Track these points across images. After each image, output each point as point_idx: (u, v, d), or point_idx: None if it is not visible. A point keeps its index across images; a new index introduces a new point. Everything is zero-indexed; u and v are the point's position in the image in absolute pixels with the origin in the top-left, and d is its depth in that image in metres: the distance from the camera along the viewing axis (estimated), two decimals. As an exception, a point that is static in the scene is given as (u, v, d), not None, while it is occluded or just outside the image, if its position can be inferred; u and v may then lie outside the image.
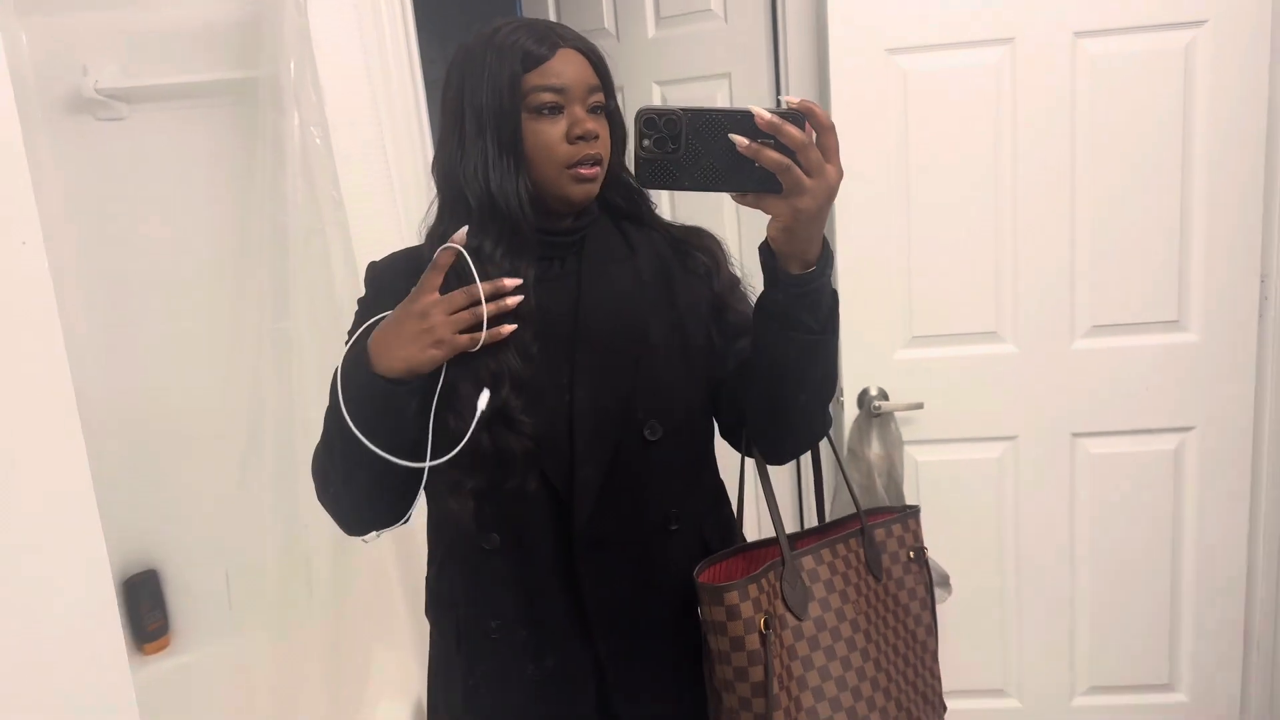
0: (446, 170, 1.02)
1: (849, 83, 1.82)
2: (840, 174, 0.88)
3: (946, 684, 2.02)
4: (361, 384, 0.94)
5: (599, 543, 1.04)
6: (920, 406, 1.91)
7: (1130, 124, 1.78)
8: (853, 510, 1.14)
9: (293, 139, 1.77)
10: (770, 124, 0.85)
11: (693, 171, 0.90)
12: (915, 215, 1.85)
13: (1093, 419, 1.90)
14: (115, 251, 2.01)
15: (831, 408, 1.12)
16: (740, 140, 0.86)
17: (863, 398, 1.93)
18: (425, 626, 1.71)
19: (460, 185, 1.00)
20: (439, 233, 1.02)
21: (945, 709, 1.17)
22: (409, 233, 1.93)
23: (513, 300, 0.96)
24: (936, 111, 1.81)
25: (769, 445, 1.09)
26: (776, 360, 0.99)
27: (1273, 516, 1.93)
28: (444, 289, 0.94)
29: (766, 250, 0.94)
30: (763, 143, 0.86)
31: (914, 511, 1.18)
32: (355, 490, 1.01)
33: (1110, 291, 1.84)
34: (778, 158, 0.86)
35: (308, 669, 1.92)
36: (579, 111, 1.00)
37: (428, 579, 1.16)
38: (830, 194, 0.88)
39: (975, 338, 1.90)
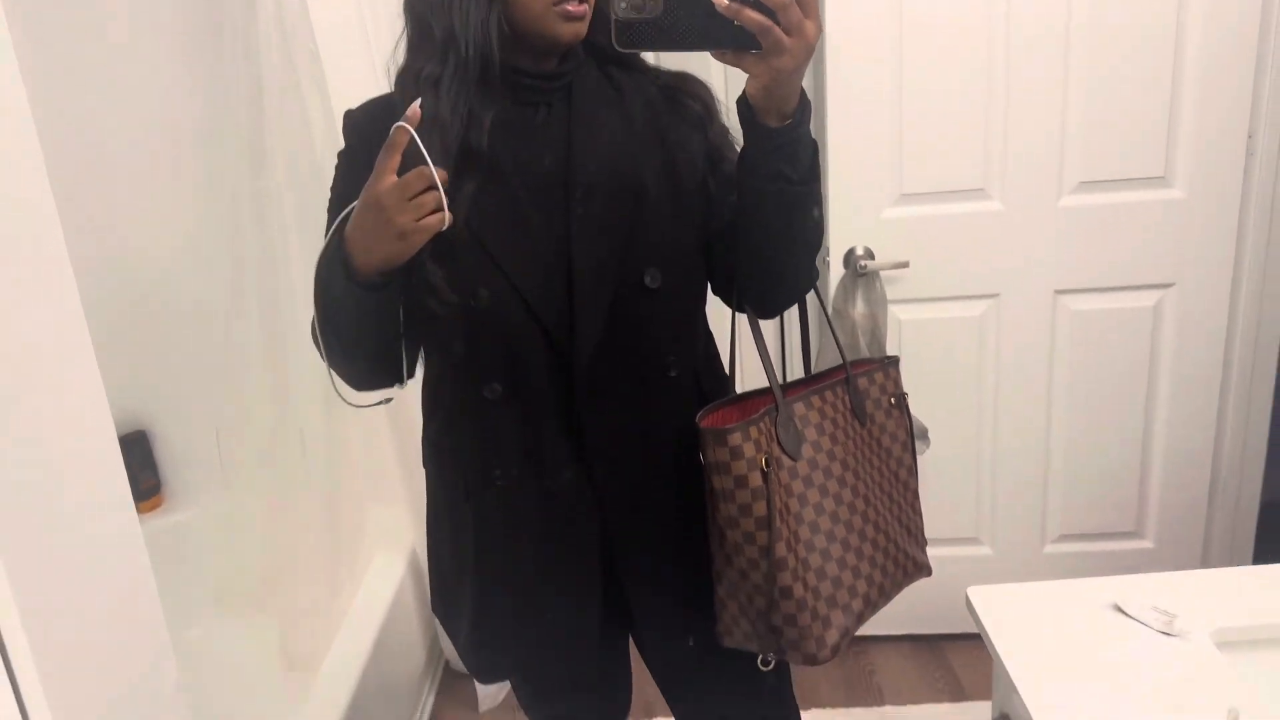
0: (418, 5, 0.99)
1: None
2: (819, 30, 0.88)
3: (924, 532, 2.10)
4: (341, 292, 0.95)
5: (600, 390, 1.05)
6: (905, 265, 1.92)
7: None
8: (837, 364, 1.16)
9: (263, -9, 1.70)
10: None
11: (671, 32, 0.89)
12: (907, 72, 1.82)
13: (1075, 276, 1.92)
14: (86, 115, 1.95)
15: (818, 264, 1.15)
16: (721, 0, 0.85)
17: (849, 257, 1.93)
18: (418, 481, 1.75)
19: (426, 15, 0.97)
20: (410, 71, 1.00)
21: (926, 543, 1.22)
22: (386, 84, 1.88)
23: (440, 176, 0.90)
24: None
25: (757, 299, 1.11)
26: (759, 213, 1.00)
27: (1244, 372, 1.98)
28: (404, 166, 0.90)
29: (744, 105, 0.95)
30: (742, 1, 0.85)
31: (893, 361, 1.21)
32: (354, 364, 1.06)
33: (1098, 148, 1.83)
34: (758, 18, 0.85)
35: (304, 525, 1.97)
36: None
37: (426, 435, 1.17)
38: (809, 51, 0.88)
39: (963, 195, 1.89)
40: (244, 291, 1.89)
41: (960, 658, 2.11)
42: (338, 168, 1.09)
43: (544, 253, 1.02)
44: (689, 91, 1.11)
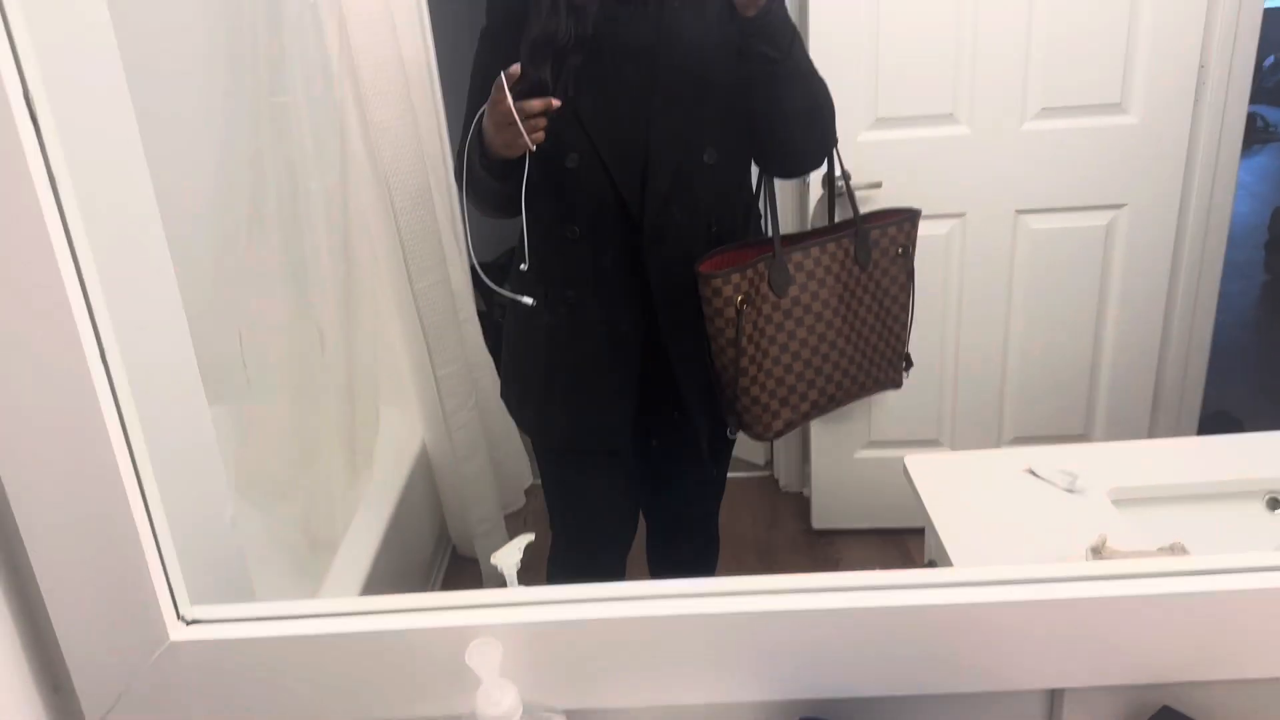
0: None
1: None
2: None
3: (884, 431, 2.29)
4: (478, 167, 1.30)
5: (659, 240, 1.34)
6: (879, 186, 2.07)
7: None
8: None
9: (281, -88, 1.81)
10: None
11: None
12: (884, 2, 1.95)
13: (1035, 197, 2.07)
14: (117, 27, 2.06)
15: (776, 213, 1.44)
16: None
17: (827, 178, 2.07)
18: (429, 385, 1.95)
19: None
20: None
21: (910, 365, 1.56)
22: (398, 1, 2.00)
23: (539, 104, 1.20)
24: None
25: (777, 165, 1.45)
26: (757, 93, 1.26)
27: (1189, 290, 2.14)
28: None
29: (728, 4, 1.21)
30: None
31: (911, 216, 1.49)
32: (487, 207, 1.40)
33: (1059, 76, 1.97)
34: None
35: (321, 419, 2.14)
36: None
37: (510, 272, 1.45)
38: None
39: (932, 120, 2.03)
40: (264, 200, 2.03)
41: (918, 545, 2.31)
42: (480, 45, 1.37)
43: (626, 128, 1.30)
44: None
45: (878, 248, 1.46)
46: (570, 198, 1.35)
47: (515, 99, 1.19)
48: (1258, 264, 3.87)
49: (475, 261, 1.41)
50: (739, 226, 1.43)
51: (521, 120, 1.19)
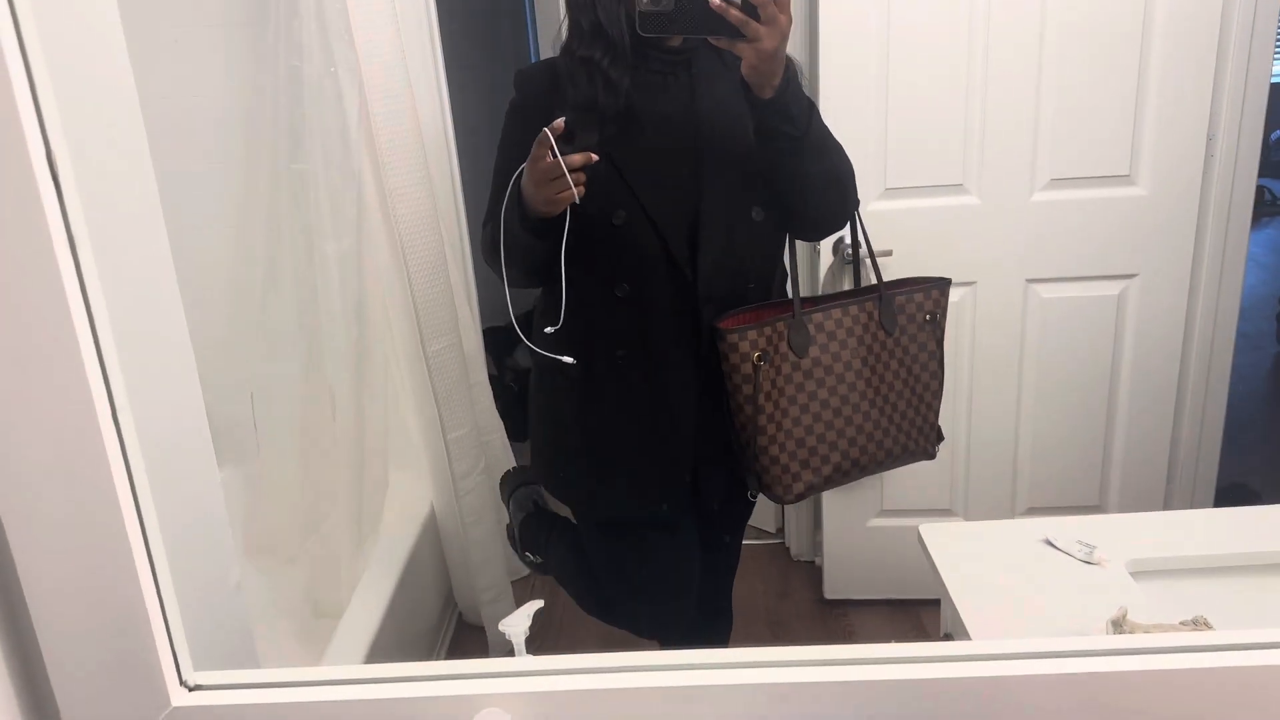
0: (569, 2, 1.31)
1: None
2: (790, 20, 1.18)
3: (897, 500, 2.27)
4: (518, 228, 1.30)
5: (711, 298, 1.37)
6: (889, 254, 2.08)
7: (1097, -13, 1.90)
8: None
9: (305, -15, 1.86)
10: None
11: (680, 22, 1.18)
12: (893, 76, 1.98)
13: (1046, 266, 2.08)
14: (140, 93, 2.10)
15: (809, 258, 1.45)
16: (714, 0, 1.15)
17: (837, 245, 2.09)
18: (438, 449, 1.94)
19: (576, 14, 1.33)
20: (571, 51, 1.34)
21: (942, 438, 1.56)
22: (415, 74, 2.04)
23: (580, 157, 1.21)
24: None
25: (799, 230, 1.48)
26: (779, 165, 1.30)
27: (1202, 359, 2.13)
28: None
29: (743, 84, 1.24)
30: (730, 1, 1.15)
31: (939, 283, 1.51)
32: (520, 272, 1.41)
33: (1068, 147, 1.99)
34: (737, 14, 1.18)
35: (331, 484, 2.13)
36: None
37: (549, 335, 1.44)
38: (783, 36, 1.18)
39: (942, 190, 2.05)
40: (280, 265, 2.05)
41: (932, 617, 2.27)
42: (508, 117, 1.41)
43: (672, 187, 1.34)
44: None
45: (904, 313, 1.47)
46: (617, 256, 1.37)
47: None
48: (1269, 335, 3.87)
49: (516, 323, 1.41)
50: (772, 285, 1.47)
51: (552, 177, 1.22)
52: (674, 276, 1.37)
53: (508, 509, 1.92)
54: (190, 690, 0.77)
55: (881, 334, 1.43)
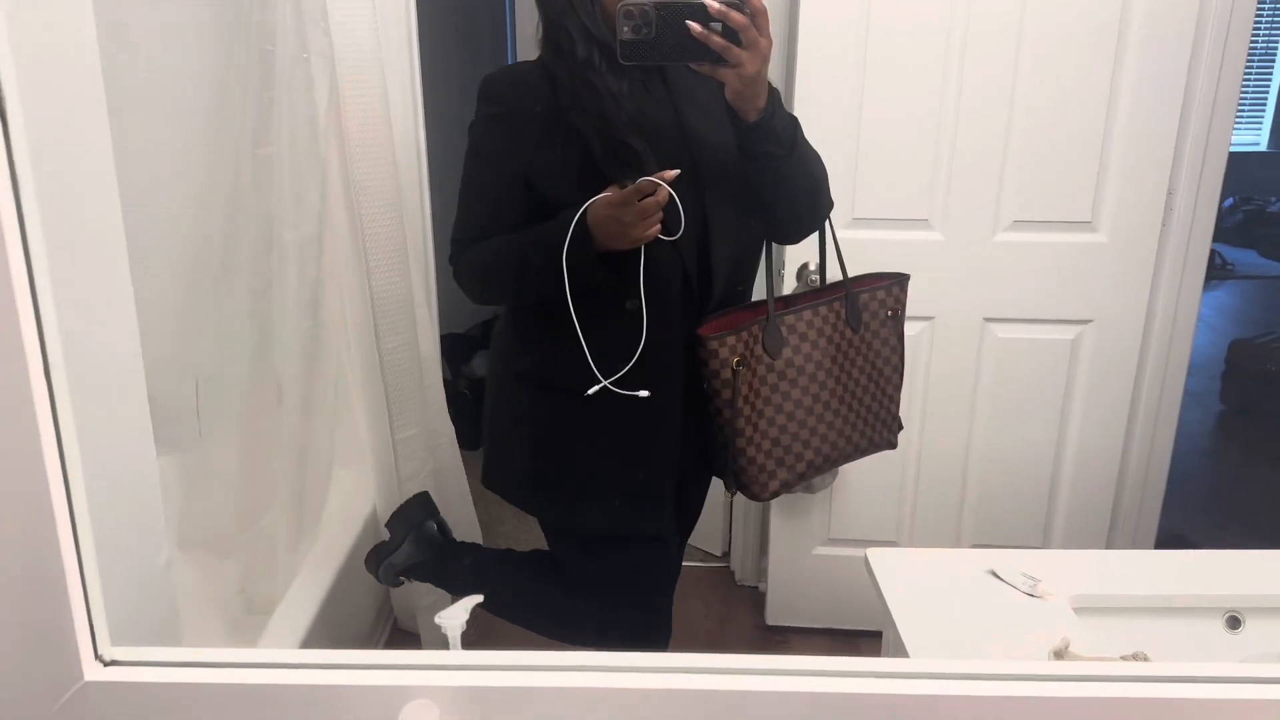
0: (546, 2, 1.32)
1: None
2: (770, 44, 1.18)
3: (843, 529, 2.27)
4: (583, 255, 1.26)
5: (718, 306, 1.39)
6: (848, 277, 2.09)
7: (1070, 39, 1.93)
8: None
9: (284, -32, 1.84)
10: (717, 11, 1.15)
11: (661, 49, 1.17)
12: (867, 106, 1.99)
13: (1003, 306, 2.10)
14: (108, 71, 2.06)
15: (771, 258, 1.49)
16: (694, 26, 1.15)
17: (801, 271, 2.10)
18: (385, 449, 1.90)
19: (556, 16, 1.30)
20: (549, 48, 1.33)
21: (901, 427, 1.59)
22: (390, 67, 2.02)
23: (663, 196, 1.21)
24: (896, 10, 1.94)
25: (779, 237, 1.52)
26: (762, 183, 1.31)
27: (1150, 409, 2.16)
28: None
29: (727, 108, 1.24)
30: (711, 28, 1.15)
31: (899, 279, 1.54)
32: (525, 294, 1.41)
33: (1032, 191, 2.02)
34: (719, 41, 1.15)
35: (271, 477, 2.08)
36: None
37: (529, 354, 1.46)
38: (764, 60, 1.19)
39: (908, 224, 2.07)
40: (237, 249, 2.01)
41: (873, 648, 2.27)
42: (483, 125, 1.36)
43: (680, 197, 1.26)
44: None
45: (868, 310, 1.49)
46: (633, 271, 1.30)
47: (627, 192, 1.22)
48: (1214, 394, 3.96)
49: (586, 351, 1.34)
50: (750, 287, 1.50)
51: (646, 216, 1.23)
52: (686, 288, 1.38)
53: (395, 546, 1.86)
54: (105, 665, 0.73)
55: (849, 331, 1.46)
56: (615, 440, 1.44)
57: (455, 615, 0.76)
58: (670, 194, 1.20)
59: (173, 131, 2.11)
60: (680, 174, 1.29)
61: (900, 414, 1.58)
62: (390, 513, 2.06)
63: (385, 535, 2.30)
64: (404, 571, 1.84)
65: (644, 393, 1.31)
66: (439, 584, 1.86)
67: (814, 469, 1.45)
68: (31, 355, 0.66)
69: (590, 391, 1.30)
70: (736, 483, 1.44)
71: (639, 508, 1.48)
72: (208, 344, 2.11)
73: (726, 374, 1.36)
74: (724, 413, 1.38)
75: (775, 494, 1.43)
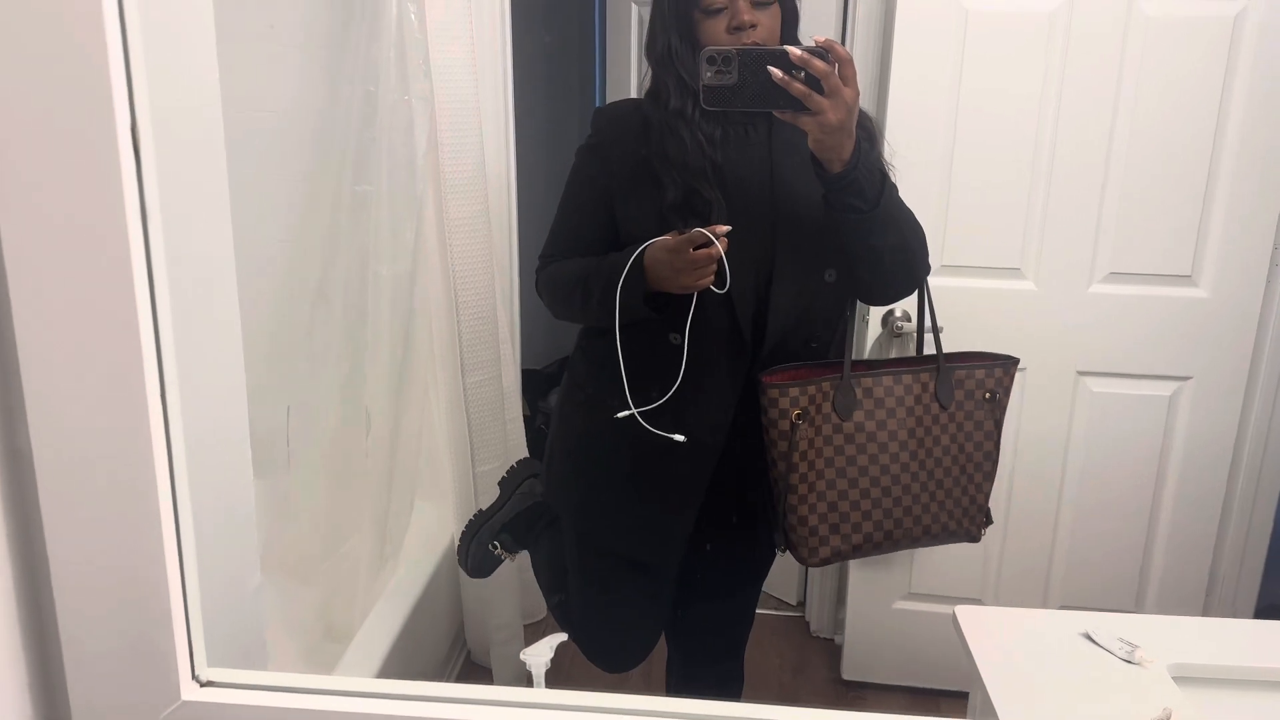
0: (651, 53, 1.36)
1: (913, 15, 1.93)
2: (857, 94, 1.16)
3: (926, 583, 2.21)
4: (634, 291, 1.29)
5: (773, 354, 1.36)
6: (941, 330, 2.05)
7: (1173, 87, 1.88)
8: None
9: (389, 13, 1.91)
10: (800, 58, 1.14)
11: (744, 95, 1.18)
12: (959, 151, 1.97)
13: (1098, 359, 2.04)
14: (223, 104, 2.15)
15: (857, 325, 1.45)
16: (776, 73, 1.14)
17: (887, 318, 2.07)
18: (465, 481, 1.92)
19: (658, 67, 1.33)
20: (650, 94, 1.37)
21: (990, 521, 1.50)
22: (486, 109, 2.07)
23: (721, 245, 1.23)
24: (992, 53, 1.92)
25: (865, 295, 1.47)
26: (844, 237, 1.28)
27: (1252, 473, 2.07)
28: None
29: (812, 157, 1.23)
30: (794, 75, 1.14)
31: (1004, 361, 1.46)
32: (585, 317, 1.47)
33: (1130, 242, 1.97)
34: (800, 88, 1.14)
35: (356, 506, 2.12)
36: (740, 5, 1.25)
37: (587, 379, 1.49)
38: (849, 110, 1.16)
39: (999, 272, 2.03)
40: (332, 281, 2.07)
41: (954, 709, 2.20)
42: (582, 154, 1.42)
43: (748, 243, 1.29)
44: (859, 120, 1.31)
45: (962, 388, 1.42)
46: (682, 306, 1.32)
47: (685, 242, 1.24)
48: (1320, 457, 3.77)
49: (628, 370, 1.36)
50: (834, 344, 1.46)
51: (700, 264, 1.24)
52: (733, 332, 1.36)
53: (507, 494, 1.84)
54: (202, 685, 0.75)
55: (935, 407, 1.40)
56: (639, 466, 1.44)
57: (541, 652, 0.76)
58: (721, 252, 1.22)
59: (275, 166, 2.18)
60: (756, 222, 1.32)
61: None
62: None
63: (461, 571, 2.32)
64: (500, 533, 1.80)
65: (679, 437, 1.32)
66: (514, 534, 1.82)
67: (873, 544, 1.39)
68: (150, 381, 0.68)
69: (619, 415, 1.33)
70: (785, 541, 1.40)
71: (647, 533, 1.48)
72: (301, 373, 2.16)
73: (785, 425, 1.32)
74: (778, 465, 1.35)
75: (825, 561, 1.38)
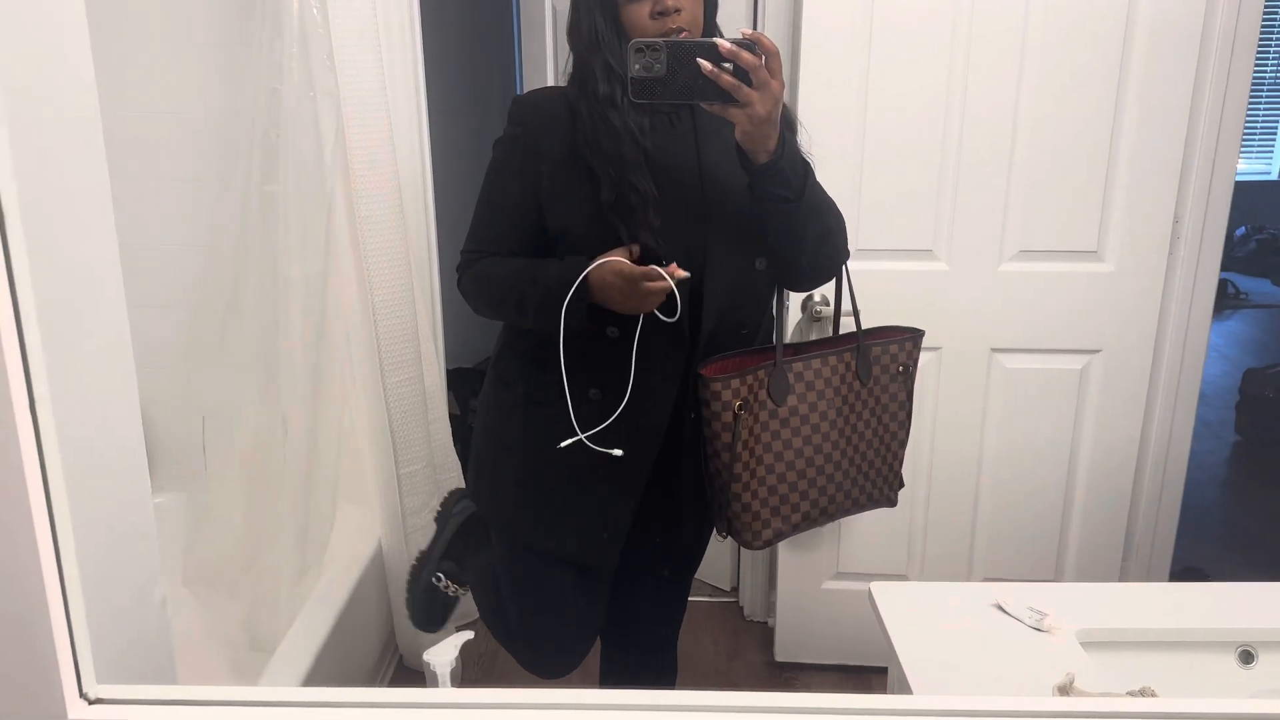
0: (573, 38, 1.34)
1: (820, 6, 1.94)
2: (783, 86, 1.18)
3: (853, 563, 2.24)
4: (577, 302, 1.27)
5: (707, 345, 1.36)
6: (861, 329, 2.08)
7: (1073, 70, 1.93)
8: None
9: (291, 10, 1.86)
10: (729, 51, 1.16)
11: (672, 87, 1.18)
12: (870, 137, 2.00)
13: (1010, 336, 2.09)
14: (114, 104, 2.09)
15: (781, 303, 1.50)
16: (705, 64, 1.15)
17: (806, 303, 2.09)
18: (390, 484, 1.88)
19: (583, 52, 1.31)
20: (574, 81, 1.35)
21: (902, 485, 1.55)
22: (397, 104, 2.04)
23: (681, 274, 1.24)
24: (898, 41, 1.95)
25: (790, 282, 1.48)
26: (772, 226, 1.29)
27: (1162, 438, 2.14)
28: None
29: (738, 149, 1.24)
30: (722, 67, 1.15)
31: (913, 335, 1.50)
32: (519, 322, 1.44)
33: (1037, 221, 2.02)
34: (730, 80, 1.16)
35: (276, 514, 2.08)
36: None
37: (516, 370, 1.47)
38: (776, 102, 1.18)
39: (912, 254, 2.06)
40: (243, 286, 2.02)
41: (884, 684, 2.23)
42: (504, 146, 1.38)
43: (679, 234, 1.30)
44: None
45: (879, 364, 1.46)
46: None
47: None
48: (1229, 424, 3.92)
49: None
50: (761, 332, 1.47)
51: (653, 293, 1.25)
52: (668, 323, 1.34)
53: (442, 524, 1.83)
54: (90, 703, 0.72)
55: (856, 384, 1.43)
56: (579, 461, 1.39)
57: (444, 653, 0.74)
58: (673, 287, 1.22)
59: (179, 168, 2.13)
60: (687, 212, 1.32)
61: (905, 458, 1.54)
62: (393, 548, 2.05)
63: (389, 572, 2.29)
64: (441, 562, 1.80)
65: (617, 451, 1.33)
66: (465, 568, 1.82)
67: (809, 520, 1.42)
68: (17, 393, 0.66)
69: (563, 445, 1.33)
70: (729, 528, 1.42)
71: (585, 531, 1.46)
72: (214, 381, 2.11)
73: (728, 417, 1.33)
74: (722, 456, 1.36)
75: (768, 543, 1.40)
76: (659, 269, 1.22)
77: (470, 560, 1.77)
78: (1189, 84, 1.92)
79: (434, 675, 0.74)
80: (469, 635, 0.78)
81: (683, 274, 1.23)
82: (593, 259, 1.27)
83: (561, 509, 1.46)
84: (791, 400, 1.38)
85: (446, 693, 0.72)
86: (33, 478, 0.68)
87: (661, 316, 1.28)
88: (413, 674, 2.32)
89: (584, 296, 1.28)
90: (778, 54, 1.17)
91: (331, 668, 1.95)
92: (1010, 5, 1.91)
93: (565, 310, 1.27)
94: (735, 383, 1.33)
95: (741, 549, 2.55)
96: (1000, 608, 1.17)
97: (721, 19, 1.40)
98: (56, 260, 0.74)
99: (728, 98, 1.17)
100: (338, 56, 1.88)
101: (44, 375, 0.68)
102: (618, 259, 1.26)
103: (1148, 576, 2.22)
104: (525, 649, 1.63)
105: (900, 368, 1.49)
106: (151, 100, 2.10)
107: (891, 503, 1.53)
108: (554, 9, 2.60)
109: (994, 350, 2.10)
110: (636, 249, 1.29)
